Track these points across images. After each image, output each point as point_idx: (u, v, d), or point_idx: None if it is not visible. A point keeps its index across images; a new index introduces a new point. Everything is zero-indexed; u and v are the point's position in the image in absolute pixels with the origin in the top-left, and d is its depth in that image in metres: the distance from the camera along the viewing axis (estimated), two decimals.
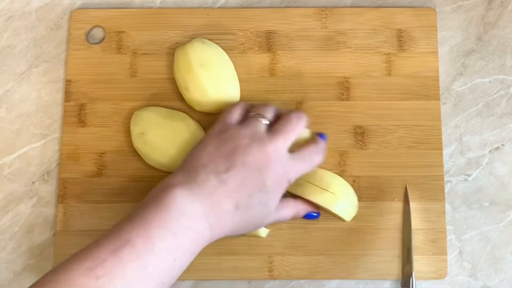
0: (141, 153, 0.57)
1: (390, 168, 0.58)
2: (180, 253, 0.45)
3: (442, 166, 0.59)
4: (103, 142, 0.59)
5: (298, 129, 0.52)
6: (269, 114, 0.53)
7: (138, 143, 0.57)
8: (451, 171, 0.60)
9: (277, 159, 0.49)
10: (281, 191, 0.50)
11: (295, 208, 0.54)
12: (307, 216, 0.55)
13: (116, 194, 0.58)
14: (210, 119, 0.59)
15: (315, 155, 0.53)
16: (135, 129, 0.57)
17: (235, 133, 0.51)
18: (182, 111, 0.58)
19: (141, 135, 0.56)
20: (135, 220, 0.45)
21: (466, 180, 0.60)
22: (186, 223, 0.45)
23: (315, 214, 0.55)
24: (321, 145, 0.54)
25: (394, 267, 0.57)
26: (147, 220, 0.44)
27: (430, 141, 0.59)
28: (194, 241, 0.46)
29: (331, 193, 0.53)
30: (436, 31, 0.61)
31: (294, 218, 0.54)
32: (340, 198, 0.53)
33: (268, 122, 0.52)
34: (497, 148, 0.60)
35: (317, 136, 0.55)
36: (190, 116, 0.58)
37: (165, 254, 0.44)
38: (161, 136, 0.56)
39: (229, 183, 0.48)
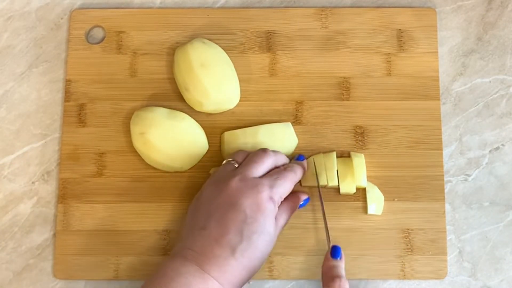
0: (141, 153, 0.57)
1: (390, 168, 0.58)
2: None
3: (442, 166, 0.59)
4: (103, 142, 0.59)
5: (266, 159, 0.53)
6: (240, 158, 0.54)
7: (138, 143, 0.57)
8: (451, 171, 0.60)
9: (244, 186, 0.49)
10: (270, 210, 0.50)
11: (289, 208, 0.54)
12: (302, 205, 0.56)
13: (116, 194, 0.58)
14: (210, 119, 0.59)
15: (286, 172, 0.53)
16: (135, 129, 0.57)
17: (205, 187, 0.52)
18: (182, 111, 0.58)
19: (141, 135, 0.56)
20: None
21: (466, 180, 0.60)
22: (183, 281, 0.46)
23: (306, 199, 0.56)
24: (291, 164, 0.55)
25: (394, 267, 0.57)
26: None
27: (430, 141, 0.59)
28: None
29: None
30: (436, 31, 0.61)
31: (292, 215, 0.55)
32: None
33: (237, 164, 0.53)
34: (497, 148, 0.60)
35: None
36: (190, 116, 0.58)
37: None
38: (162, 136, 0.56)
39: (210, 230, 0.48)
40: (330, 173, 0.57)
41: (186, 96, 0.58)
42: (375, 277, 0.57)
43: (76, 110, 0.60)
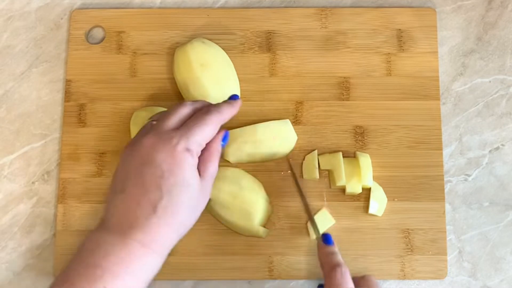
0: None
1: (390, 168, 0.58)
2: (109, 278, 0.43)
3: (442, 166, 0.59)
4: (103, 142, 0.59)
5: (181, 109, 0.50)
6: (159, 116, 0.51)
7: None
8: (451, 171, 0.60)
9: (158, 141, 0.47)
10: (188, 162, 0.47)
11: (213, 153, 0.50)
12: (225, 138, 0.52)
13: None
14: None
15: (206, 115, 0.49)
16: (135, 129, 0.57)
17: (122, 150, 0.50)
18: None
19: None
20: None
21: (466, 180, 0.60)
22: (103, 252, 0.44)
23: (225, 134, 0.52)
24: (217, 104, 0.51)
25: (394, 267, 0.57)
26: (65, 272, 0.44)
27: (430, 141, 0.59)
28: (123, 261, 0.44)
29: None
30: (436, 31, 0.61)
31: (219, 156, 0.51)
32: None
33: (154, 122, 0.50)
34: (497, 148, 0.60)
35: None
36: None
37: None
38: None
39: (129, 192, 0.46)
40: (338, 173, 0.57)
41: (186, 96, 0.58)
42: (375, 277, 0.57)
43: (76, 110, 0.60)
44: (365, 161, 0.57)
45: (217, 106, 0.51)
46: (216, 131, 0.50)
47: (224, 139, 0.52)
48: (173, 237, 0.47)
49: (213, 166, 0.50)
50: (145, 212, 0.45)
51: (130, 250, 0.44)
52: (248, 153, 0.57)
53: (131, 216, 0.45)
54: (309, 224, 0.57)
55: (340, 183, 0.56)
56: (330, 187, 0.58)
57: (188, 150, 0.47)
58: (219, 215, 0.56)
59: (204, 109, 0.50)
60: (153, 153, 0.46)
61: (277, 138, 0.57)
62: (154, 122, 0.50)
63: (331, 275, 0.48)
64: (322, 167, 0.58)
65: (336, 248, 0.51)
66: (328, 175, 0.58)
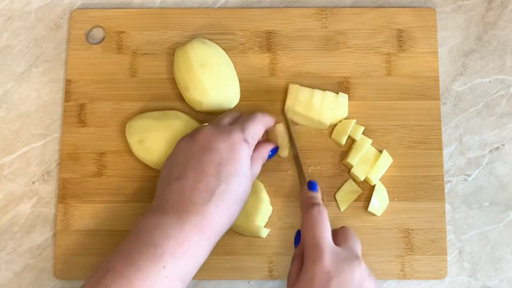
0: (145, 160, 0.57)
1: (390, 168, 0.58)
2: (169, 258, 0.45)
3: (442, 166, 0.59)
4: (103, 142, 0.59)
5: (231, 113, 0.55)
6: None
7: (139, 152, 0.56)
8: (451, 171, 0.60)
9: (217, 132, 0.50)
10: (245, 152, 0.50)
11: (260, 157, 0.54)
12: (272, 154, 0.56)
13: (116, 194, 0.58)
14: (210, 119, 0.59)
15: (254, 115, 0.54)
16: (132, 139, 0.57)
17: (178, 142, 0.52)
18: (182, 111, 0.58)
19: (141, 143, 0.56)
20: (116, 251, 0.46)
21: (466, 180, 0.60)
22: (161, 233, 0.46)
23: (276, 147, 0.57)
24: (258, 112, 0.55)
25: (394, 267, 0.57)
26: (124, 249, 0.46)
27: (430, 141, 0.59)
28: (182, 244, 0.46)
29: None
30: (436, 31, 0.61)
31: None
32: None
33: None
34: (497, 148, 0.60)
35: None
36: (190, 116, 0.58)
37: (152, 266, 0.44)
38: (160, 138, 0.55)
39: (187, 179, 0.48)
40: (357, 150, 0.58)
41: (186, 96, 0.58)
42: (375, 277, 0.57)
43: (76, 110, 0.60)
44: (385, 159, 0.58)
45: (259, 111, 0.55)
46: (263, 131, 0.54)
47: (273, 151, 0.56)
48: (226, 224, 0.49)
49: (257, 166, 0.54)
50: (203, 197, 0.47)
51: (188, 234, 0.46)
52: (297, 112, 0.58)
53: (189, 202, 0.47)
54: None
55: (351, 160, 0.57)
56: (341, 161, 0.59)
57: (245, 140, 0.50)
58: None
59: (248, 114, 0.54)
60: (213, 142, 0.49)
61: (330, 109, 0.58)
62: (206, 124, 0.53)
63: (308, 213, 0.49)
64: (352, 135, 0.58)
65: (319, 195, 0.51)
66: (348, 150, 0.58)
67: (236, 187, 0.48)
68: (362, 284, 0.45)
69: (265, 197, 0.57)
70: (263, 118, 0.54)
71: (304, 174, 0.54)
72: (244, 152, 0.50)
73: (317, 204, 0.49)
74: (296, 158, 0.56)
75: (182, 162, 0.49)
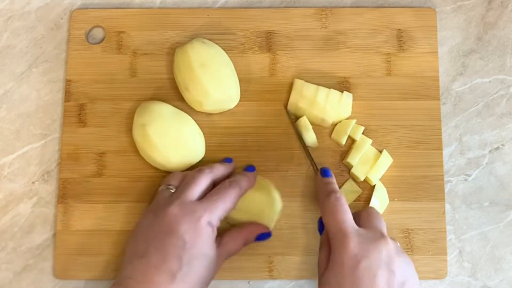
0: (139, 146, 0.57)
1: (390, 168, 0.58)
2: None
3: (442, 166, 0.59)
4: (103, 142, 0.59)
5: (201, 179, 0.52)
6: (176, 181, 0.53)
7: (137, 135, 0.56)
8: (451, 171, 0.60)
9: (182, 212, 0.49)
10: (209, 235, 0.49)
11: (241, 237, 0.54)
12: (260, 238, 0.55)
13: (116, 194, 0.58)
14: (210, 119, 0.59)
15: (228, 189, 0.52)
16: (138, 120, 0.56)
17: (144, 214, 0.52)
18: (182, 111, 0.58)
19: (142, 126, 0.55)
20: None
21: (466, 180, 0.60)
22: None
23: (267, 233, 0.55)
24: (237, 178, 0.54)
25: None
26: None
27: (430, 141, 0.59)
28: None
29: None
30: (436, 31, 0.61)
31: (246, 245, 0.54)
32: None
33: (173, 189, 0.52)
34: (497, 148, 0.60)
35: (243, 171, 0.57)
36: (190, 116, 0.58)
37: None
38: (161, 133, 0.55)
39: (150, 258, 0.48)
40: (357, 150, 0.58)
41: (186, 96, 0.58)
42: None
43: (76, 110, 0.60)
44: (385, 159, 0.58)
45: (237, 180, 0.53)
46: (235, 205, 0.52)
47: (262, 236, 0.55)
48: None
49: (237, 247, 0.53)
50: (164, 279, 0.47)
51: None
52: (300, 107, 0.58)
53: (150, 281, 0.47)
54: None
55: (351, 160, 0.57)
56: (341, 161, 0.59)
57: (210, 224, 0.49)
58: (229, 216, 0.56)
59: (226, 183, 0.53)
60: (177, 224, 0.48)
61: (333, 107, 0.58)
62: (173, 190, 0.52)
63: (325, 202, 0.49)
64: (351, 135, 0.58)
65: (334, 180, 0.52)
66: (348, 150, 0.59)
67: (198, 269, 0.48)
68: (391, 262, 0.46)
69: (275, 196, 0.57)
70: (240, 189, 0.53)
71: (315, 164, 0.55)
72: (207, 235, 0.49)
73: (334, 191, 0.50)
74: (306, 151, 0.57)
75: (146, 239, 0.49)
